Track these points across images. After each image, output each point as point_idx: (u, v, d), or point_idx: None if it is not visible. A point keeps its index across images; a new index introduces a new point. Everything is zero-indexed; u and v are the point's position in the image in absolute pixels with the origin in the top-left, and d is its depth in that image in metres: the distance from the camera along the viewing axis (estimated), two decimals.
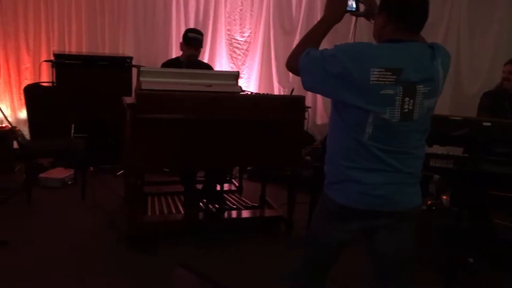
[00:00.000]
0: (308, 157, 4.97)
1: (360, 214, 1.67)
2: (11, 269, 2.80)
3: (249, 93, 3.52)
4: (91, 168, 4.79)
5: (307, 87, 1.69)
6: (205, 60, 5.49)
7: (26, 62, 5.35)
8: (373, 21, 1.74)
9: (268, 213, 3.83)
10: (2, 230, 3.30)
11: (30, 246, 3.11)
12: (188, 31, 3.97)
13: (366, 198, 1.64)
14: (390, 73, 1.52)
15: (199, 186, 3.93)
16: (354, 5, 1.81)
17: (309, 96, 5.16)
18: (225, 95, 3.21)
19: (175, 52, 5.45)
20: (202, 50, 4.86)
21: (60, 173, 4.43)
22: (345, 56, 1.55)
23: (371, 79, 1.52)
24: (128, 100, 3.15)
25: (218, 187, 3.99)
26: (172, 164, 3.32)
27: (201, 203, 3.79)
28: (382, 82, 1.52)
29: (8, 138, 4.61)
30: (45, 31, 5.31)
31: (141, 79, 3.08)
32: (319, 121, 5.82)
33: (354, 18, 1.93)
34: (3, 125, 4.78)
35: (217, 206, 3.77)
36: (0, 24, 5.15)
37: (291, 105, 3.33)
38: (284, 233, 3.62)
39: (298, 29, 5.82)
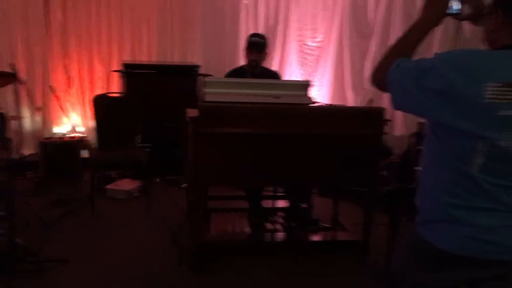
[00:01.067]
0: (384, 173, 4.55)
1: (465, 262, 1.34)
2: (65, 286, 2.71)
3: (321, 104, 3.21)
4: (158, 179, 4.69)
5: (397, 106, 1.37)
6: (274, 68, 5.25)
7: (99, 71, 5.40)
8: (481, 24, 1.38)
9: (341, 236, 3.48)
10: (65, 244, 3.26)
11: (91, 262, 3.02)
12: (250, 35, 3.84)
13: (475, 244, 1.31)
14: (510, 89, 1.17)
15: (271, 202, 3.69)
16: (458, 7, 1.44)
17: (385, 105, 4.74)
18: (294, 107, 2.93)
19: (243, 60, 5.25)
20: (270, 56, 4.64)
21: (127, 184, 4.37)
22: (450, 67, 1.21)
23: (485, 96, 1.17)
24: (191, 113, 2.95)
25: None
26: (236, 180, 3.08)
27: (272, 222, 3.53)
28: (500, 101, 1.17)
29: (77, 147, 4.64)
30: (117, 41, 5.34)
31: (206, 90, 2.88)
32: (397, 133, 5.35)
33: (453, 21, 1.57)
34: (74, 135, 4.82)
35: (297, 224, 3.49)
36: (74, 35, 5.24)
37: (368, 118, 2.97)
38: (359, 258, 3.25)
39: (375, 32, 5.40)
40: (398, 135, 5.30)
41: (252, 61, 3.68)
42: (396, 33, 5.37)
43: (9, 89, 4.55)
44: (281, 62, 5.54)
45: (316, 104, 3.14)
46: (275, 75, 3.94)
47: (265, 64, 3.98)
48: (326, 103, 4.04)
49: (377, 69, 1.44)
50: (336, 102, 5.33)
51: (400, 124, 5.38)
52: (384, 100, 4.91)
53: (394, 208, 3.04)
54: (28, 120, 5.06)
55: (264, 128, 2.81)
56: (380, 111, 2.98)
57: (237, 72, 3.87)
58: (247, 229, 3.45)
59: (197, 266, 2.95)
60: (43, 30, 5.07)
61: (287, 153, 2.88)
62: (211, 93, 2.90)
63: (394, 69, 1.34)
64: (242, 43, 5.30)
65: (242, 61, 5.17)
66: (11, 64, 4.25)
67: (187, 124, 3.01)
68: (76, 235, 3.45)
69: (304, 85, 3.07)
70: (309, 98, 3.01)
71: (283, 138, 2.85)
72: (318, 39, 5.58)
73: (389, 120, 3.26)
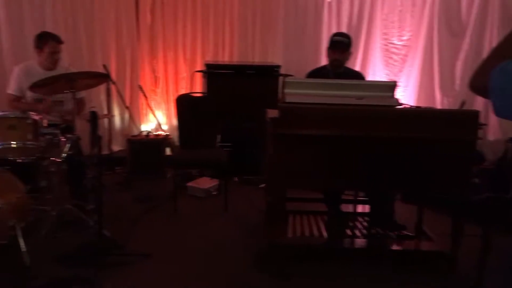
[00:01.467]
0: (476, 180, 4.22)
1: None
2: (150, 282, 2.80)
3: (408, 106, 3.03)
4: (236, 178, 4.74)
5: (502, 113, 1.22)
6: (357, 68, 5.09)
7: (183, 72, 5.57)
8: None
9: (425, 246, 3.27)
10: (148, 239, 3.38)
11: (172, 257, 3.10)
12: (334, 34, 3.78)
13: None
14: None
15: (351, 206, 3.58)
16: None
17: (479, 107, 4.40)
18: (379, 109, 2.79)
19: (325, 59, 5.14)
20: (353, 56, 4.49)
21: (205, 183, 4.45)
22: None
23: None
24: (271, 113, 2.93)
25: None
26: (315, 183, 3.00)
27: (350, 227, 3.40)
28: None
29: (161, 145, 4.82)
30: (200, 42, 5.48)
31: (286, 90, 2.84)
32: (491, 137, 4.95)
33: None
34: (158, 133, 5.02)
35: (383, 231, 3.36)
36: (162, 37, 5.45)
37: (461, 122, 2.76)
38: (445, 272, 3.03)
39: (468, 30, 5.04)
40: (493, 140, 4.91)
41: (335, 61, 3.60)
42: (492, 32, 4.98)
43: (101, 88, 4.85)
44: (364, 62, 5.36)
45: (402, 106, 2.97)
46: (358, 76, 3.81)
47: (348, 64, 3.87)
48: (413, 105, 3.82)
49: (477, 73, 1.30)
50: (423, 104, 5.05)
51: (495, 128, 4.99)
52: (478, 103, 4.58)
53: (488, 219, 2.81)
54: (117, 118, 5.35)
55: (346, 130, 2.71)
56: (474, 114, 2.75)
57: (319, 72, 3.80)
58: (325, 233, 3.36)
59: (273, 268, 2.91)
60: (134, 33, 5.33)
61: (370, 157, 2.76)
62: (292, 94, 2.85)
63: (498, 73, 1.20)
64: (325, 43, 5.21)
65: (324, 61, 5.06)
66: (104, 65, 4.53)
67: (267, 125, 3.00)
68: (159, 230, 3.57)
69: (390, 86, 2.92)
70: (396, 100, 2.86)
71: (366, 141, 2.73)
72: (405, 37, 5.32)
73: (484, 124, 3.00)
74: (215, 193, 4.38)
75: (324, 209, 3.69)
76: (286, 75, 4.56)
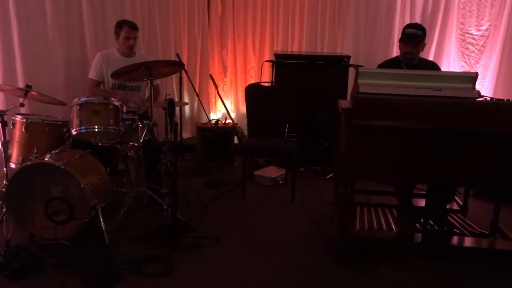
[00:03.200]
0: None
1: None
2: (218, 263, 2.90)
3: (489, 99, 2.89)
4: (302, 169, 4.75)
5: None
6: (430, 58, 4.92)
7: (252, 62, 5.65)
8: None
9: (501, 245, 3.13)
10: (217, 223, 3.49)
11: (240, 242, 3.19)
12: (406, 26, 3.63)
13: None
14: None
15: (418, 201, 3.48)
16: None
17: None
18: (458, 101, 2.68)
19: (396, 51, 5.00)
20: (426, 47, 4.34)
21: (272, 172, 4.50)
22: None
23: None
24: (344, 104, 2.91)
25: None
26: (387, 176, 2.95)
27: (418, 223, 3.31)
28: None
29: (230, 134, 4.93)
30: (269, 32, 5.51)
31: (359, 81, 2.80)
32: None
33: None
34: (227, 121, 5.12)
35: (438, 227, 3.26)
36: (232, 28, 5.55)
37: None
38: None
39: None
40: None
41: (406, 54, 3.48)
42: None
43: (173, 77, 5.02)
44: (438, 53, 5.15)
45: (483, 99, 2.84)
46: (433, 67, 3.67)
47: (421, 55, 3.74)
48: (493, 97, 3.63)
49: None
50: (502, 96, 4.77)
51: None
52: None
53: None
54: (188, 106, 5.52)
55: (422, 122, 2.65)
56: None
57: (391, 64, 3.70)
58: (395, 227, 3.30)
59: (344, 259, 2.91)
60: (205, 23, 5.46)
61: (445, 150, 2.67)
62: (366, 84, 2.81)
63: None
64: (397, 34, 5.09)
65: (395, 52, 4.96)
66: (177, 54, 4.69)
67: (339, 115, 2.98)
68: (228, 215, 3.67)
69: (471, 77, 2.80)
70: (477, 92, 2.73)
71: (442, 134, 2.64)
72: (483, 27, 5.05)
73: None
74: (281, 182, 4.42)
75: (393, 202, 3.61)
76: (356, 66, 4.50)
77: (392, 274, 2.81)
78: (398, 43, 3.64)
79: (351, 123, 2.69)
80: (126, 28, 3.82)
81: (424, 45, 3.59)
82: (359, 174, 2.91)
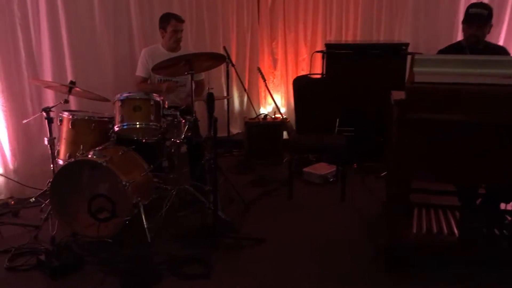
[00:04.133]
0: None
1: None
2: (260, 266, 2.76)
3: None
4: (355, 165, 4.48)
5: None
6: (500, 42, 4.45)
7: (303, 53, 5.43)
8: None
9: None
10: (262, 224, 3.34)
11: (284, 247, 3.00)
12: (470, 6, 3.25)
13: None
14: None
15: None
16: None
17: None
18: None
19: (461, 36, 4.56)
20: (495, 30, 3.92)
21: (322, 169, 4.27)
22: None
23: None
24: (397, 95, 2.63)
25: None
26: (447, 176, 2.64)
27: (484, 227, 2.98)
28: None
29: (279, 129, 4.74)
30: (322, 23, 5.27)
31: (415, 69, 2.50)
32: None
33: None
34: (277, 116, 4.94)
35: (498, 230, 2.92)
36: (282, 19, 5.36)
37: None
38: None
39: None
40: None
41: (471, 36, 3.13)
42: None
43: (221, 71, 4.91)
44: (509, 37, 4.65)
45: None
46: (502, 51, 3.29)
47: (489, 39, 3.36)
48: None
49: None
50: None
51: None
52: None
53: None
54: (236, 101, 5.40)
55: (489, 115, 2.33)
56: None
57: (453, 49, 3.36)
58: (457, 231, 2.98)
59: (395, 268, 2.65)
60: (255, 16, 5.30)
61: None
62: (422, 73, 2.51)
63: None
64: (461, 16, 4.62)
65: (460, 36, 4.53)
66: (224, 47, 4.57)
67: (392, 108, 2.71)
68: (273, 215, 3.50)
69: None
70: None
71: None
72: None
73: None
74: (332, 179, 4.18)
75: (455, 203, 3.29)
76: (413, 54, 4.15)
77: (450, 286, 2.52)
78: (462, 26, 3.29)
79: (405, 117, 2.43)
80: (173, 21, 3.75)
81: (490, 26, 3.22)
82: (413, 174, 2.62)
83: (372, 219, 3.38)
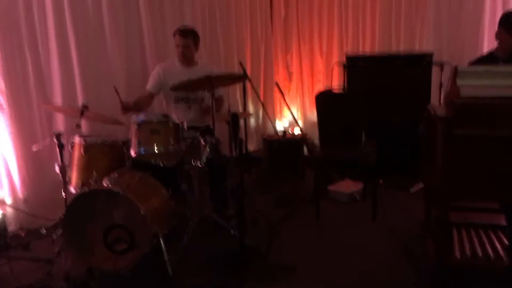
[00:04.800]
0: None
1: None
2: None
3: None
4: (381, 181, 4.25)
5: None
6: None
7: (319, 65, 5.26)
8: None
9: None
10: (290, 248, 3.12)
11: (317, 274, 2.77)
12: (509, 13, 3.01)
13: None
14: None
15: None
16: None
17: None
18: None
19: (487, 44, 4.35)
20: None
21: (348, 186, 4.05)
22: None
23: None
24: (439, 109, 2.42)
25: None
26: (496, 195, 2.43)
27: None
28: None
29: (299, 145, 4.53)
30: (338, 33, 5.11)
31: (460, 82, 2.30)
32: None
33: None
34: (295, 131, 4.73)
35: None
36: (296, 31, 5.20)
37: None
38: None
39: None
40: None
41: None
42: None
43: (237, 86, 4.72)
44: None
45: None
46: None
47: None
48: None
49: None
50: None
51: None
52: None
53: None
54: (253, 116, 5.20)
55: None
56: None
57: (487, 61, 3.15)
58: (505, 255, 2.73)
59: None
60: (268, 28, 5.13)
61: None
62: (468, 86, 2.31)
63: None
64: (487, 23, 4.40)
65: (486, 44, 4.32)
66: (240, 63, 4.38)
67: (431, 123, 2.51)
68: (301, 238, 3.29)
69: None
70: None
71: None
72: None
73: None
74: (359, 198, 3.95)
75: (500, 222, 3.05)
76: (442, 64, 3.95)
77: None
78: (496, 34, 3.07)
79: (452, 133, 2.21)
80: (177, 36, 3.60)
81: None
82: (460, 194, 2.41)
83: (408, 240, 3.14)
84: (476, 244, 2.90)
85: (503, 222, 3.07)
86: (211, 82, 2.96)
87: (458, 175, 2.30)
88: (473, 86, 2.30)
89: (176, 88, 3.06)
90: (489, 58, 3.15)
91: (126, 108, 3.29)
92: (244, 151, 4.76)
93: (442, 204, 2.47)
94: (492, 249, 2.83)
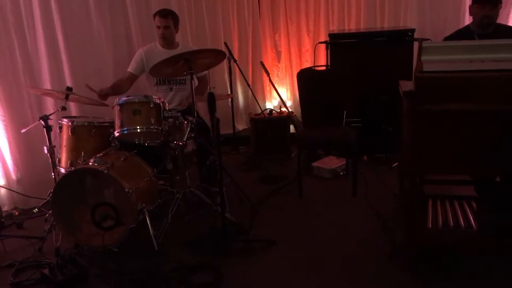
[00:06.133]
0: None
1: None
2: (273, 270, 2.66)
3: None
4: (365, 157, 4.35)
5: None
6: (509, 23, 4.29)
7: (307, 44, 5.29)
8: None
9: None
10: (272, 224, 3.24)
11: (297, 247, 2.91)
12: None
13: None
14: None
15: None
16: None
17: None
18: None
19: (468, 21, 4.39)
20: (504, 11, 3.76)
21: (332, 162, 4.15)
22: None
23: None
24: (405, 85, 2.51)
25: None
26: (461, 168, 2.53)
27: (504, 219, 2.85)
28: None
29: (285, 123, 4.62)
30: (324, 12, 5.11)
31: (423, 57, 2.38)
32: None
33: None
34: (283, 110, 4.81)
35: None
36: (283, 10, 5.22)
37: None
38: None
39: None
40: None
41: (485, 18, 2.99)
42: None
43: (225, 68, 4.79)
44: None
45: None
46: None
47: (499, 20, 3.22)
48: None
49: None
50: None
51: None
52: None
53: None
54: (241, 96, 5.28)
55: (504, 103, 2.21)
56: None
57: (461, 34, 3.22)
58: (475, 224, 2.85)
59: (413, 265, 2.54)
60: (255, 8, 5.16)
61: None
62: (431, 61, 2.38)
63: None
64: (468, 1, 4.45)
65: (467, 21, 4.37)
66: (225, 43, 4.45)
67: (401, 99, 2.59)
68: (284, 214, 3.41)
69: None
70: None
71: None
72: None
73: None
74: (342, 173, 4.07)
75: (471, 192, 3.16)
76: (420, 40, 4.00)
77: (470, 282, 2.41)
78: (470, 9, 3.14)
79: (415, 108, 2.30)
80: (157, 17, 3.67)
81: (500, 7, 3.08)
82: (428, 168, 2.51)
83: (386, 213, 3.25)
84: (449, 214, 3.02)
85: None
86: (189, 60, 3.02)
87: (424, 150, 2.38)
88: (436, 61, 2.37)
89: (154, 69, 3.12)
90: (465, 32, 3.22)
91: (104, 95, 3.39)
92: (232, 131, 4.88)
93: (411, 178, 2.57)
94: (464, 218, 2.95)
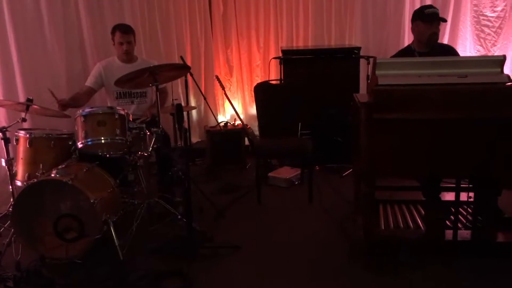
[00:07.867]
0: None
1: None
2: (240, 273, 2.77)
3: None
4: (317, 167, 4.58)
5: None
6: (445, 42, 4.72)
7: (257, 60, 5.47)
8: None
9: None
10: (235, 230, 3.34)
11: (259, 252, 3.02)
12: (425, 7, 3.44)
13: None
14: None
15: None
16: None
17: None
18: (486, 87, 2.50)
19: (408, 39, 4.80)
20: (441, 32, 4.14)
21: (287, 172, 4.33)
22: None
23: None
24: (362, 98, 2.74)
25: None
26: (414, 172, 2.79)
27: (448, 219, 3.14)
28: None
29: (240, 135, 4.76)
30: (273, 28, 5.33)
31: (378, 72, 2.62)
32: None
33: None
34: (236, 123, 4.95)
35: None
36: (234, 25, 5.38)
37: None
38: None
39: None
40: None
41: (433, 35, 3.27)
42: None
43: (179, 80, 4.85)
44: (453, 38, 4.93)
45: None
46: (451, 51, 3.46)
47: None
48: None
49: None
50: None
51: None
52: None
53: None
54: (195, 109, 5.36)
55: (448, 112, 2.48)
56: None
57: (404, 54, 3.51)
58: (423, 225, 3.12)
59: (371, 262, 2.75)
60: (208, 24, 5.29)
61: (475, 141, 2.51)
62: (385, 76, 2.63)
63: None
64: (408, 20, 4.86)
65: (407, 40, 4.76)
66: (181, 57, 4.52)
67: (357, 110, 2.81)
68: (245, 221, 3.52)
69: (498, 61, 2.59)
70: (506, 76, 2.54)
71: (471, 123, 2.48)
72: (499, 8, 4.80)
73: None
74: (297, 182, 4.25)
75: (419, 197, 3.44)
76: (368, 57, 4.32)
77: (422, 275, 2.64)
78: (413, 28, 3.42)
79: (372, 117, 2.52)
80: (118, 33, 3.66)
81: None
82: (384, 172, 2.73)
83: (340, 218, 3.46)
84: (399, 217, 3.28)
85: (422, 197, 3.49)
86: (155, 73, 3.09)
87: (380, 155, 2.60)
88: (390, 75, 2.62)
89: (121, 81, 3.15)
90: (407, 51, 3.51)
91: (64, 105, 3.36)
92: (188, 143, 4.93)
93: (368, 182, 2.78)
94: (412, 220, 3.22)
